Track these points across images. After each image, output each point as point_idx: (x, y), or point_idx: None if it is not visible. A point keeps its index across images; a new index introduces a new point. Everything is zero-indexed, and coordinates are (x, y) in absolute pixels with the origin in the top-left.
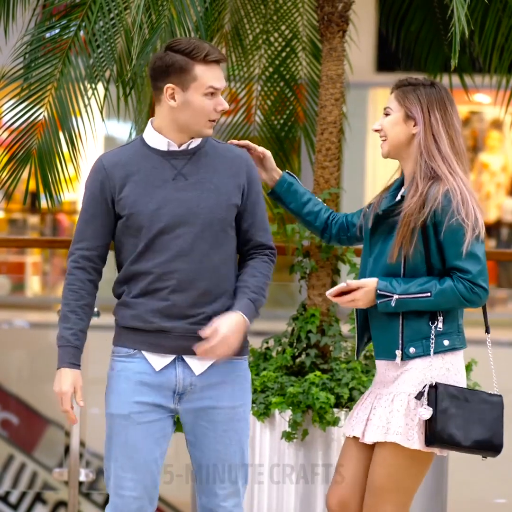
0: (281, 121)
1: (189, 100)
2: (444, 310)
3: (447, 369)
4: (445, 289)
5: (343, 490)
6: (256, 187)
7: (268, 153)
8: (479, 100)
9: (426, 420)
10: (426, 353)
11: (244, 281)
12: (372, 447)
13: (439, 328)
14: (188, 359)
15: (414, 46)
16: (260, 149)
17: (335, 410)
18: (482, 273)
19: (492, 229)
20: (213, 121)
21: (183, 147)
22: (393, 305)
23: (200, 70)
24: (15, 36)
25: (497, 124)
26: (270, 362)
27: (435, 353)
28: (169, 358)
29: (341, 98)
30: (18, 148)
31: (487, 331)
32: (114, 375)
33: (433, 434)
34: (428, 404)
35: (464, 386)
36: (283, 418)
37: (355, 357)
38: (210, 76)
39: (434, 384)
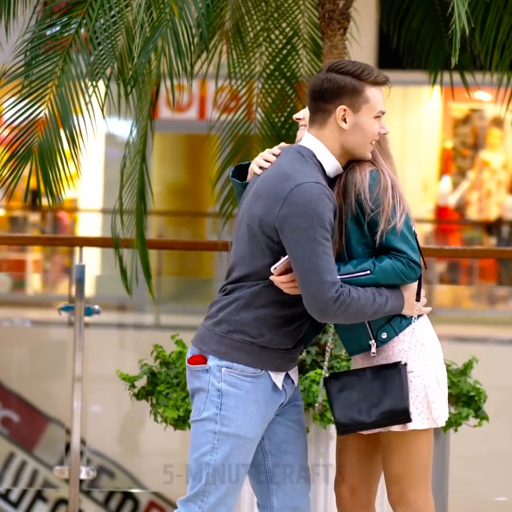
0: (282, 119)
1: (360, 122)
2: (380, 285)
3: (422, 344)
4: (384, 266)
5: (349, 475)
6: None
7: None
8: (480, 98)
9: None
10: (397, 332)
11: None
12: (372, 436)
13: None
14: (291, 372)
15: (415, 44)
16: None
17: None
18: (413, 250)
19: (493, 227)
20: (372, 144)
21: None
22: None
23: (371, 92)
24: (16, 33)
25: (497, 122)
26: None
27: (404, 329)
28: (283, 375)
29: None
30: (19, 146)
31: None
32: (242, 396)
33: (336, 422)
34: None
35: (438, 353)
36: None
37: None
38: (379, 99)
39: (327, 375)
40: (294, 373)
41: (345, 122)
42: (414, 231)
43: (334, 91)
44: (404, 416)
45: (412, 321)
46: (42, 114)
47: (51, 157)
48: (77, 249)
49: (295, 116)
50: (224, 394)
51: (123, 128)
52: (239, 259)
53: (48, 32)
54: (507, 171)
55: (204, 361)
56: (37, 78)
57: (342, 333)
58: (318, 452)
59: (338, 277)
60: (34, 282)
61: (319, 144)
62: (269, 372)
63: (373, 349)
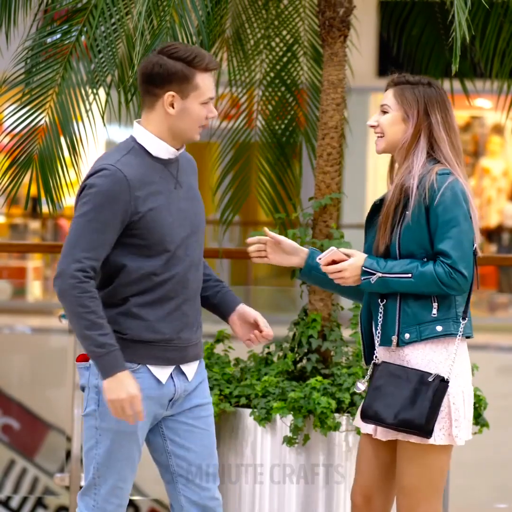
0: (282, 126)
1: (188, 108)
2: (424, 293)
3: (454, 360)
4: (424, 272)
5: (366, 483)
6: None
7: (281, 238)
8: (480, 105)
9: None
10: (421, 339)
11: (222, 286)
12: (390, 443)
13: (434, 314)
14: (184, 367)
15: (415, 51)
16: (275, 237)
17: (336, 415)
18: (463, 260)
19: (493, 234)
20: (202, 127)
21: (177, 154)
22: (373, 282)
23: (201, 79)
24: (16, 41)
25: (498, 129)
26: (271, 367)
27: (428, 338)
28: (170, 369)
29: (342, 103)
30: (19, 153)
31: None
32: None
33: (362, 408)
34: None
35: (468, 375)
36: (284, 423)
37: (363, 362)
38: (208, 85)
39: (379, 362)
40: (188, 368)
41: (173, 107)
42: (475, 246)
43: (164, 77)
44: (421, 431)
45: (436, 333)
46: (42, 122)
47: (52, 165)
48: None
49: (369, 123)
50: (101, 390)
51: (124, 135)
52: None
53: (49, 40)
54: (508, 178)
55: (87, 359)
56: (38, 85)
57: (376, 321)
58: (318, 458)
59: (380, 274)
60: (35, 290)
61: (140, 128)
62: (148, 366)
63: (393, 345)
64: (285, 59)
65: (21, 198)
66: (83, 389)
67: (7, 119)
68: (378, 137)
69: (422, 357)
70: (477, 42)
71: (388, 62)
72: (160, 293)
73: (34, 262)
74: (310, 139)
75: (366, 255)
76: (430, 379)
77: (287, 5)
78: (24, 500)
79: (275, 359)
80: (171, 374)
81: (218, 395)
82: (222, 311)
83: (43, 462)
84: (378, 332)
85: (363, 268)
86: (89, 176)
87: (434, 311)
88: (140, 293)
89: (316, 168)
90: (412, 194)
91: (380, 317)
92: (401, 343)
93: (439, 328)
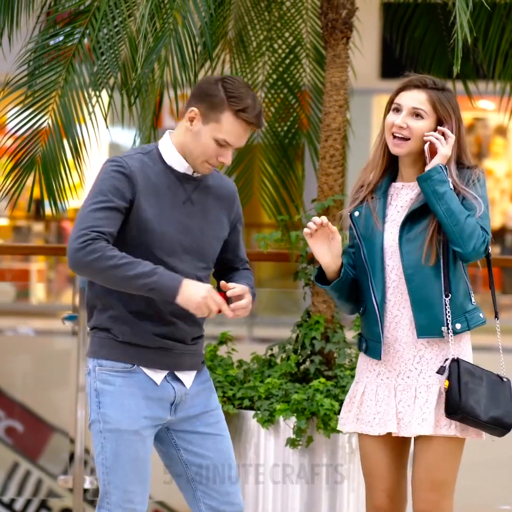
0: (285, 128)
1: (202, 133)
2: (452, 232)
3: (465, 346)
4: (471, 221)
5: (390, 486)
6: (241, 222)
7: (338, 237)
8: (483, 107)
9: (446, 392)
10: (470, 327)
11: (245, 278)
12: (399, 439)
13: (474, 302)
14: (179, 374)
15: (418, 52)
16: (334, 230)
17: (339, 417)
18: (487, 242)
19: (497, 236)
20: (210, 165)
21: (197, 174)
22: (437, 180)
23: (227, 118)
24: (19, 43)
25: (501, 131)
26: (274, 369)
27: (476, 326)
28: (164, 373)
29: (345, 104)
30: (22, 155)
31: (496, 316)
32: (116, 391)
33: (457, 404)
34: (449, 377)
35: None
36: (287, 425)
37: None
38: (232, 130)
39: (456, 358)
40: (184, 376)
41: (192, 124)
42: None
43: (202, 94)
44: (505, 429)
45: (481, 323)
46: (45, 124)
47: (55, 167)
48: None
49: (398, 122)
50: (100, 392)
51: (127, 137)
52: None
53: (52, 42)
54: (511, 179)
55: (226, 297)
56: (41, 88)
57: (416, 314)
58: (322, 460)
59: (448, 187)
60: (38, 292)
61: (165, 136)
62: (142, 367)
63: (446, 336)
64: (287, 61)
65: (24, 201)
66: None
67: (10, 121)
68: (401, 139)
69: (467, 347)
70: (479, 43)
71: (391, 64)
72: (148, 300)
73: (37, 265)
74: (313, 141)
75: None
76: (504, 379)
77: (289, 7)
78: (28, 502)
79: (278, 361)
80: (167, 378)
81: (221, 397)
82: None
83: (47, 464)
84: (420, 324)
85: (439, 165)
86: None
87: (473, 299)
88: (131, 298)
89: (319, 170)
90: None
91: (445, 309)
92: (453, 333)
93: (481, 315)
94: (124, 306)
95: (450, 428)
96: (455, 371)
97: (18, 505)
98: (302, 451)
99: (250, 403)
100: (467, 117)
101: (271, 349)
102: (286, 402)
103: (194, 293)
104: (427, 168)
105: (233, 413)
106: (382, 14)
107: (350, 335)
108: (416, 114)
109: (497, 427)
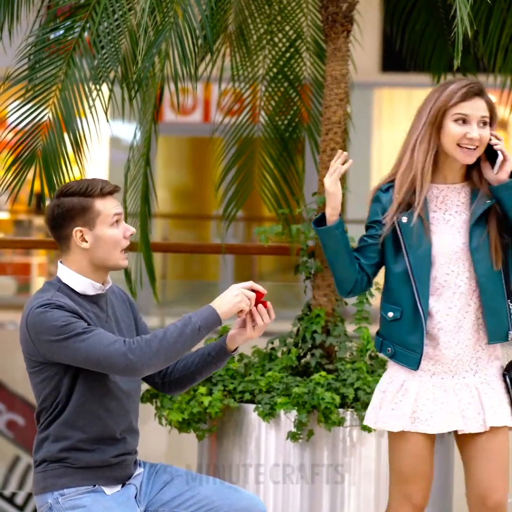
0: (286, 122)
1: (100, 236)
2: None
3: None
4: None
5: (427, 484)
6: (140, 319)
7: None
8: None
9: None
10: None
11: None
12: (434, 439)
13: None
14: (131, 480)
15: (418, 46)
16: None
17: (341, 410)
18: None
19: None
20: (125, 251)
21: (105, 287)
22: None
23: (101, 204)
24: (19, 37)
25: (502, 124)
26: (275, 363)
27: None
28: (119, 486)
29: (346, 98)
30: (23, 149)
31: None
32: (91, 509)
33: None
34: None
35: None
36: (288, 419)
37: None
38: (110, 206)
39: None
40: (134, 479)
41: (86, 241)
42: None
43: (65, 216)
44: None
45: None
46: (46, 118)
47: (55, 161)
48: None
49: (475, 136)
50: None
51: (127, 131)
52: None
53: (52, 36)
54: None
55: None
56: (41, 81)
57: (489, 320)
58: (323, 453)
59: None
60: (39, 286)
61: (63, 268)
62: (102, 486)
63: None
64: (288, 54)
65: (24, 194)
66: None
67: (10, 115)
68: (471, 149)
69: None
70: (480, 36)
71: (391, 57)
72: (105, 423)
73: (38, 258)
74: (313, 135)
75: None
76: None
77: (290, 0)
78: (29, 496)
79: (279, 354)
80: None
81: (222, 391)
82: (219, 347)
83: None
84: (492, 329)
85: None
86: (28, 314)
87: None
88: (87, 425)
89: (319, 163)
90: None
91: (509, 313)
92: None
93: None
94: (82, 434)
95: None
96: None
97: (19, 498)
98: (303, 444)
99: (251, 397)
100: None
101: (272, 343)
102: (287, 395)
103: (227, 296)
104: (504, 176)
105: (234, 406)
106: (382, 8)
107: (351, 328)
108: (484, 122)
109: None
